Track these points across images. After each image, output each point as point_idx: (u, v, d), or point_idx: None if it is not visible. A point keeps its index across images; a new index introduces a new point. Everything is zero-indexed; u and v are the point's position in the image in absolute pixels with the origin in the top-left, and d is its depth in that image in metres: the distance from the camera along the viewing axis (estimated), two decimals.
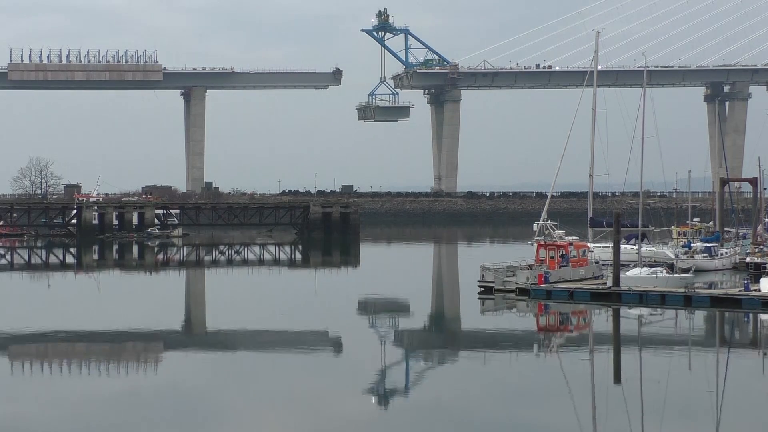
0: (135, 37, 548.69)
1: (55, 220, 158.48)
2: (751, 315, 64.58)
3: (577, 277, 76.50)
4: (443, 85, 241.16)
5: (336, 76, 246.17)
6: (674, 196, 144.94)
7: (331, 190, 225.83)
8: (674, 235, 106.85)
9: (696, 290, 67.75)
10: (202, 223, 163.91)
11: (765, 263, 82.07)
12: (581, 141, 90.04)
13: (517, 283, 73.12)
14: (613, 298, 68.74)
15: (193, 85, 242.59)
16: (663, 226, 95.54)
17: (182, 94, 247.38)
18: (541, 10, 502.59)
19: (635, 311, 66.80)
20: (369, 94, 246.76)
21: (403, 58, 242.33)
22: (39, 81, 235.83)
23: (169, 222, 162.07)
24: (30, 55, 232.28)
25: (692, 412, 38.96)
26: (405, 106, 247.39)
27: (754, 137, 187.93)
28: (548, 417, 38.06)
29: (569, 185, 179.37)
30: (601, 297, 69.50)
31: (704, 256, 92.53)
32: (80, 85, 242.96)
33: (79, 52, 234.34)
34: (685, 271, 77.63)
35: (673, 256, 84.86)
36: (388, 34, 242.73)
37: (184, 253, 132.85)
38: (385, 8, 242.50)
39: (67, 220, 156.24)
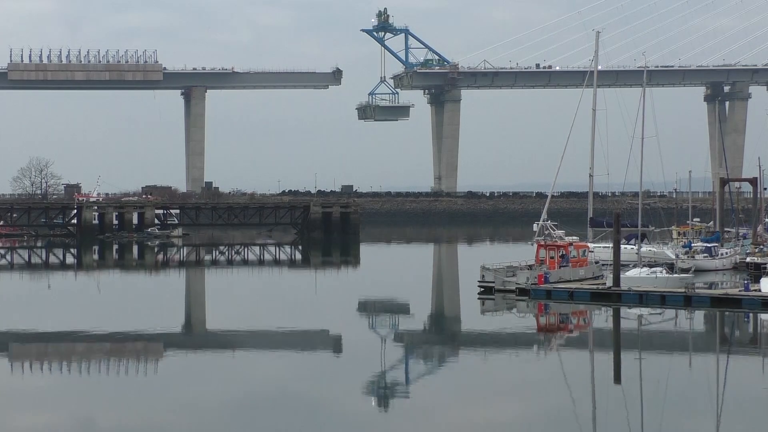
0: (230, 34, 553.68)
1: (55, 220, 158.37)
2: (751, 315, 64.60)
3: (577, 278, 76.49)
4: (443, 85, 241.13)
5: (336, 76, 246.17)
6: (674, 196, 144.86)
7: (331, 190, 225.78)
8: (674, 235, 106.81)
9: (696, 290, 67.72)
10: (202, 223, 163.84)
11: (765, 263, 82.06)
12: (581, 141, 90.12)
13: (517, 284, 73.12)
14: (613, 298, 68.72)
15: (193, 85, 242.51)
16: (663, 226, 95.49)
17: (182, 94, 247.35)
18: (541, 10, 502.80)
19: (635, 311, 66.80)
20: (369, 94, 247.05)
21: (403, 58, 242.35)
22: (39, 81, 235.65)
23: (169, 222, 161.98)
24: (30, 55, 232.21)
25: (692, 412, 38.97)
26: (405, 105, 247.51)
27: (754, 137, 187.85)
28: (548, 416, 38.07)
29: (569, 185, 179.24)
30: (601, 297, 69.48)
31: (704, 256, 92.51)
32: (80, 85, 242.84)
33: (79, 52, 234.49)
34: (685, 271, 77.62)
35: (673, 256, 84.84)
36: (388, 34, 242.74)
37: (184, 253, 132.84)
38: (385, 8, 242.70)
39: (67, 220, 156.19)
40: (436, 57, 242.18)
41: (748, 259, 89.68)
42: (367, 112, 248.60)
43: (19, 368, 49.19)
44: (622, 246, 75.13)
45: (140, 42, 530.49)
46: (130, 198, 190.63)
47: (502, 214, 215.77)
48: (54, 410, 39.84)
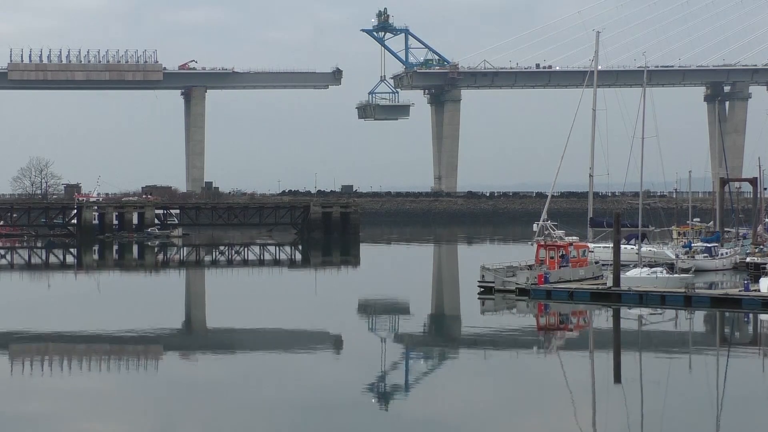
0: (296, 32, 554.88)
1: (55, 220, 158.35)
2: (751, 315, 64.59)
3: (577, 278, 76.48)
4: (443, 85, 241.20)
5: (336, 76, 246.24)
6: (674, 196, 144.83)
7: (331, 190, 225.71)
8: (674, 235, 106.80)
9: (696, 290, 67.72)
10: (202, 223, 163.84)
11: (765, 263, 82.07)
12: (581, 141, 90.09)
13: (517, 284, 73.12)
14: (613, 298, 68.70)
15: (193, 85, 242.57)
16: (663, 226, 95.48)
17: (182, 94, 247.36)
18: (541, 10, 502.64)
19: (635, 311, 66.79)
20: (369, 93, 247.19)
21: (403, 58, 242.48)
22: (39, 81, 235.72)
23: (169, 222, 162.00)
24: (30, 55, 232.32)
25: (692, 412, 38.98)
26: (405, 104, 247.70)
27: (754, 137, 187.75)
28: (548, 417, 38.06)
29: (569, 185, 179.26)
30: (601, 297, 69.47)
31: (704, 256, 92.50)
32: (80, 85, 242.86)
33: (79, 52, 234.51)
34: (685, 271, 77.61)
35: (674, 257, 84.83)
36: (388, 34, 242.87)
37: (184, 253, 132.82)
38: (385, 8, 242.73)
39: (67, 220, 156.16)
40: (436, 57, 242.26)
41: (748, 259, 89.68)
42: (367, 111, 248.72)
43: (18, 368, 49.18)
44: (622, 246, 75.12)
45: (197, 40, 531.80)
46: (130, 198, 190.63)
47: (502, 214, 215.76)
48: (52, 410, 39.84)
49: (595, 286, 71.97)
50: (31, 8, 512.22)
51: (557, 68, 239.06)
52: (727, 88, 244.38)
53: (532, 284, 72.42)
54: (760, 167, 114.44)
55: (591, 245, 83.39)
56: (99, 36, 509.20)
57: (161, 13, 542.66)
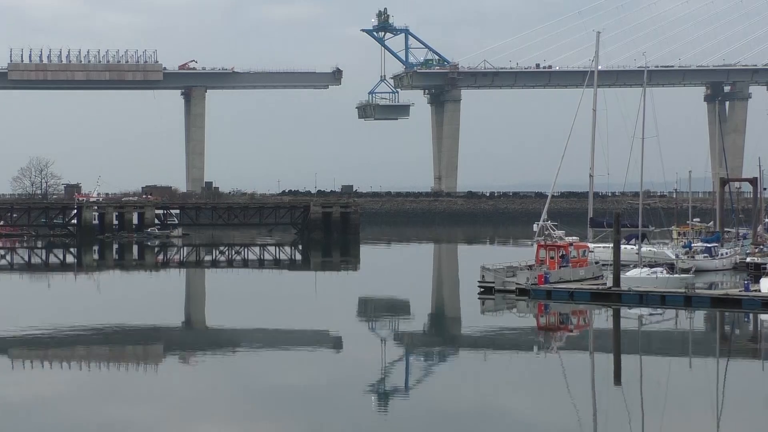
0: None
1: (55, 220, 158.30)
2: (751, 315, 64.59)
3: (577, 278, 76.48)
4: (443, 85, 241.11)
5: (336, 76, 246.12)
6: (674, 196, 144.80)
7: (331, 190, 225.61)
8: (674, 235, 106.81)
9: (696, 290, 67.70)
10: (202, 223, 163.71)
11: (765, 263, 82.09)
12: (581, 141, 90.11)
13: (517, 284, 73.13)
14: (613, 298, 68.70)
15: (193, 85, 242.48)
16: (663, 226, 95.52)
17: (182, 94, 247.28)
18: (541, 10, 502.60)
19: (635, 311, 66.79)
20: (369, 93, 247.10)
21: (404, 58, 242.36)
22: (39, 81, 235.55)
23: (169, 222, 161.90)
24: (30, 55, 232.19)
25: (692, 412, 38.98)
26: (405, 104, 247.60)
27: (754, 137, 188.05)
28: (548, 417, 38.06)
29: (569, 185, 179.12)
30: (601, 297, 69.47)
31: (704, 257, 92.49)
32: (80, 85, 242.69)
33: (79, 52, 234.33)
34: (686, 271, 77.61)
35: (674, 257, 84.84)
36: (388, 34, 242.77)
37: (184, 253, 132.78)
38: (385, 8, 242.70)
39: (67, 220, 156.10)
40: (436, 57, 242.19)
41: (748, 259, 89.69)
42: (367, 111, 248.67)
43: (19, 368, 49.20)
44: (622, 246, 75.12)
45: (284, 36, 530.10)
46: (130, 198, 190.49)
47: (502, 214, 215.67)
48: (50, 410, 39.86)
49: (595, 286, 71.97)
50: (120, 5, 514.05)
51: (557, 68, 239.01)
52: (727, 88, 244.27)
53: (532, 284, 72.42)
54: (760, 167, 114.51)
55: (591, 245, 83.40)
56: (185, 31, 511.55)
57: (257, 8, 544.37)
